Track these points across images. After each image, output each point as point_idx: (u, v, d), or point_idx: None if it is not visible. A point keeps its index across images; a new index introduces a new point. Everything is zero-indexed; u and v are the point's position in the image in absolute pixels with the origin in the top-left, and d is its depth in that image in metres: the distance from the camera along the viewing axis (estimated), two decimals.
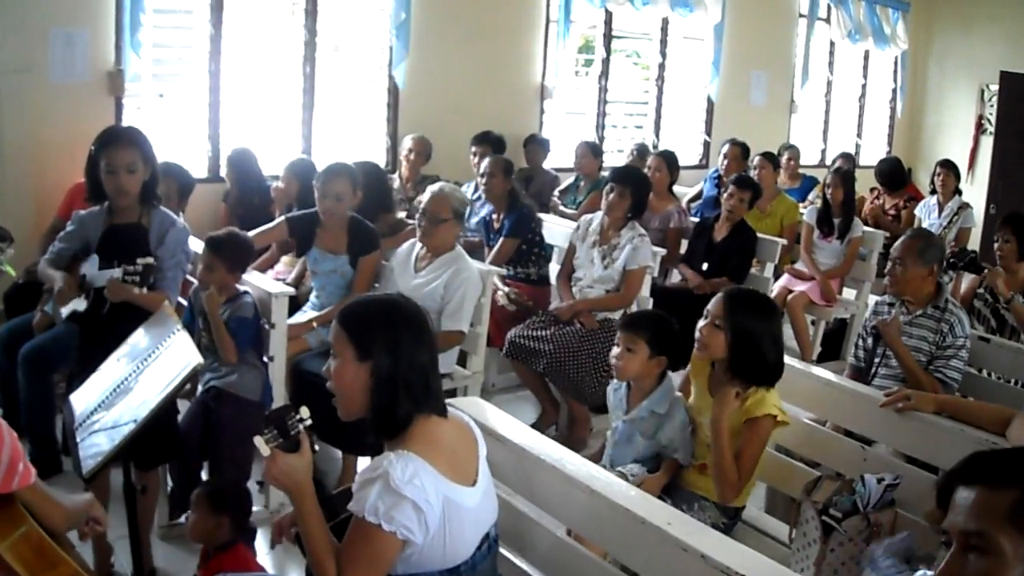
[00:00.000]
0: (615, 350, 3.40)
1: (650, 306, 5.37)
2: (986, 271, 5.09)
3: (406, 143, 6.79)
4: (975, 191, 10.22)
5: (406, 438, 2.19)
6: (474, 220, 6.05)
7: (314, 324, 4.56)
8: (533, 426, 5.19)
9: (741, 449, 3.12)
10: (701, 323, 3.24)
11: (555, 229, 6.05)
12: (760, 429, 3.12)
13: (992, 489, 1.55)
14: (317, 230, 4.70)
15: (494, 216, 5.86)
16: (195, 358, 2.85)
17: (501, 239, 5.68)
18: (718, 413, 3.12)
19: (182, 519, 3.74)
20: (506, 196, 5.78)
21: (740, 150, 7.64)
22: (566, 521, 2.70)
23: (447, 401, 2.36)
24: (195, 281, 4.02)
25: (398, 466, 2.09)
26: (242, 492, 3.35)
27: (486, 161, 5.87)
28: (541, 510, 2.72)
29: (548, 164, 7.68)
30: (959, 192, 8.09)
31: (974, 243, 8.19)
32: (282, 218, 4.89)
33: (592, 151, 7.47)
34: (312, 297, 4.86)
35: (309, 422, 2.17)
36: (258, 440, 2.14)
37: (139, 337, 3.15)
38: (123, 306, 3.51)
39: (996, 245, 5.05)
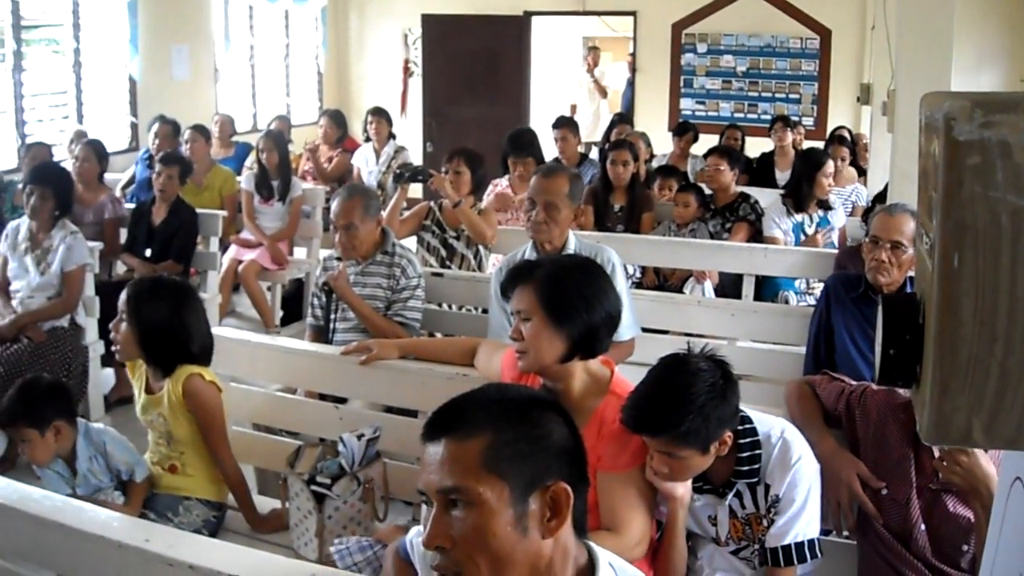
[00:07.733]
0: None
1: (98, 305, 5.10)
2: (431, 178, 5.29)
3: None
4: (411, 133, 10.83)
5: None
6: None
7: None
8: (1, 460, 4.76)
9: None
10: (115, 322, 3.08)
11: None
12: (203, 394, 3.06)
13: (460, 440, 1.52)
14: None
15: None
16: None
17: None
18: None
19: None
20: None
21: (171, 128, 7.38)
22: (49, 566, 2.45)
23: None
24: None
25: None
26: None
27: None
28: (20, 563, 2.45)
29: None
30: (393, 136, 8.46)
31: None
32: None
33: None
34: None
35: None
36: None
37: None
38: None
39: (447, 174, 5.25)
